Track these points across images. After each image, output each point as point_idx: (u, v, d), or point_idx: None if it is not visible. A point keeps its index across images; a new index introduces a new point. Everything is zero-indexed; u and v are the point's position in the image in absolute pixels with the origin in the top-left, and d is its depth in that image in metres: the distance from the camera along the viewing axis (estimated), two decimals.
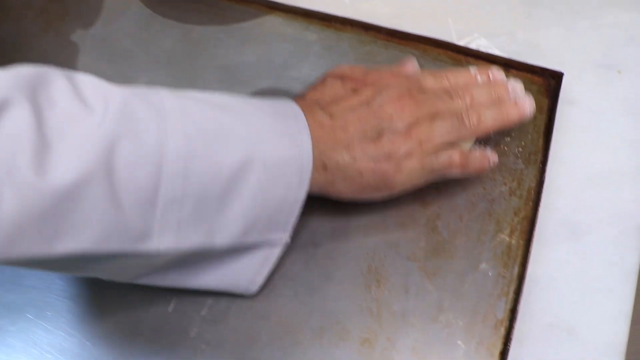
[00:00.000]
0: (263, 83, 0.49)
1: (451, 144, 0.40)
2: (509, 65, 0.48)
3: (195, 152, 0.32)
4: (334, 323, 0.39)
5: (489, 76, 0.44)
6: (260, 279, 0.39)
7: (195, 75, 0.50)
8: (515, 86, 0.43)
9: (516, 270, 0.41)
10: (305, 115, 0.37)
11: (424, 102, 0.40)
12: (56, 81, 0.31)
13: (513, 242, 0.42)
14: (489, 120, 0.41)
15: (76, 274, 0.39)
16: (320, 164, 0.37)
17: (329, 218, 0.43)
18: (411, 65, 0.45)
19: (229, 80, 0.49)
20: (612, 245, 0.42)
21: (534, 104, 0.43)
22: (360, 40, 0.51)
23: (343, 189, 0.39)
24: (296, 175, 0.36)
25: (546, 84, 0.48)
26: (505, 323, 0.39)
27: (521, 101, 0.42)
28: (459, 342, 0.39)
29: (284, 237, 0.38)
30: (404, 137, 0.39)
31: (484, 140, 0.46)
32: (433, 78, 0.43)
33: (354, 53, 0.50)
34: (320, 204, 0.42)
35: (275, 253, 0.38)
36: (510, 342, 0.38)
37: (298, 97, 0.41)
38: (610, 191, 0.43)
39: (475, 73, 0.44)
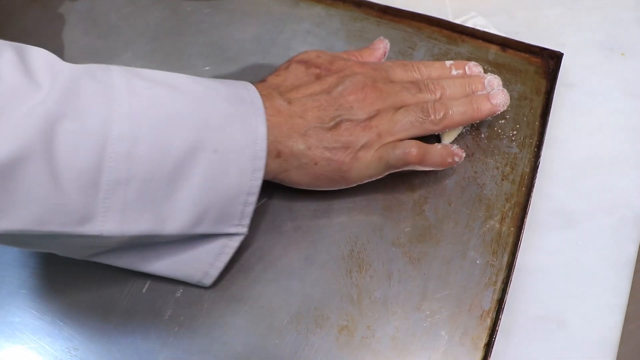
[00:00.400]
0: (250, 60, 0.48)
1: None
2: (506, 45, 0.46)
3: (141, 135, 0.31)
4: (312, 309, 0.38)
5: (465, 70, 0.43)
6: (215, 272, 0.37)
7: (181, 51, 0.48)
8: (492, 80, 0.42)
9: (505, 258, 0.39)
10: (262, 99, 0.36)
11: (388, 93, 0.39)
12: (3, 54, 0.30)
13: (503, 229, 0.40)
14: (457, 114, 0.40)
15: (28, 249, 0.38)
16: (274, 151, 0.36)
17: (311, 199, 0.41)
18: (383, 47, 0.44)
19: (215, 56, 0.48)
20: (608, 235, 0.40)
21: (509, 99, 0.42)
22: (352, 16, 0.49)
23: (297, 178, 0.38)
24: (249, 162, 0.34)
25: (545, 64, 0.46)
26: (492, 314, 0.37)
27: (495, 93, 0.41)
28: (442, 332, 0.37)
29: (241, 229, 0.36)
30: (362, 127, 0.38)
31: (476, 123, 0.44)
32: (403, 69, 0.42)
33: (345, 30, 0.49)
34: None
35: (232, 245, 0.36)
36: (496, 334, 0.36)
37: (259, 82, 0.40)
38: (607, 178, 0.42)
39: (450, 66, 0.43)
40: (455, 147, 0.40)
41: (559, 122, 0.43)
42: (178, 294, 0.38)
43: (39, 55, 0.31)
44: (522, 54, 0.46)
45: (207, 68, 0.47)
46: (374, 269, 0.39)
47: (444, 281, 0.38)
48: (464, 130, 0.44)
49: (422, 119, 0.39)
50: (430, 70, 0.42)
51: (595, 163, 0.42)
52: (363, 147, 0.38)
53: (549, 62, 0.46)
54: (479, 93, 0.41)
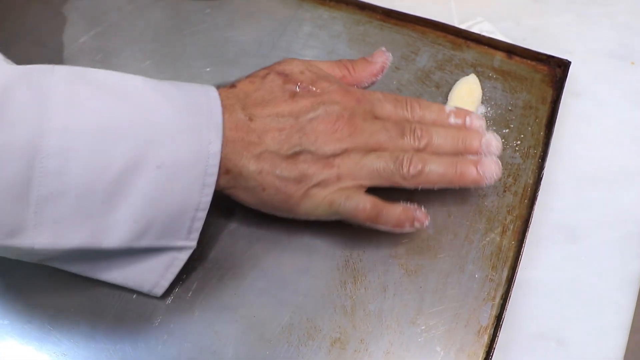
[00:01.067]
0: (251, 62, 0.47)
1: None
2: (513, 52, 0.45)
3: (75, 150, 0.30)
4: (304, 320, 0.37)
5: (465, 121, 0.38)
6: (165, 283, 0.36)
7: (181, 52, 0.48)
8: (490, 140, 0.38)
9: (505, 273, 0.38)
10: (223, 111, 0.34)
11: (363, 132, 0.36)
12: None
13: (504, 242, 0.39)
14: (434, 174, 0.36)
15: None
16: (223, 167, 0.34)
17: None
18: (382, 62, 0.39)
19: (215, 57, 0.47)
20: (612, 250, 0.39)
21: (500, 172, 0.37)
22: (355, 19, 0.48)
23: (244, 197, 0.36)
24: (198, 178, 0.32)
25: (551, 72, 0.45)
26: (490, 330, 0.36)
27: (486, 162, 0.37)
28: (438, 348, 0.36)
29: (189, 243, 0.34)
30: (323, 164, 0.35)
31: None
32: (393, 104, 0.38)
33: (348, 33, 0.48)
34: None
35: (181, 258, 0.35)
36: (493, 351, 0.35)
37: (229, 86, 0.37)
38: (613, 191, 0.40)
39: (450, 112, 0.39)
40: (419, 212, 0.36)
41: (565, 133, 0.42)
42: (169, 301, 0.37)
43: None
44: (529, 61, 0.45)
45: (208, 69, 0.47)
46: (369, 280, 0.38)
47: (441, 295, 0.37)
48: None
49: (392, 170, 0.36)
50: (425, 111, 0.38)
51: (601, 175, 0.41)
52: (318, 184, 0.35)
53: (555, 70, 0.45)
54: (469, 157, 0.37)
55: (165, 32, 0.49)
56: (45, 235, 0.30)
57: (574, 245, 0.39)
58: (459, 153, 0.37)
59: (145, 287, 0.36)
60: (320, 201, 0.35)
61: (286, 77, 0.36)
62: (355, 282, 0.38)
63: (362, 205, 0.35)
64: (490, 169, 0.37)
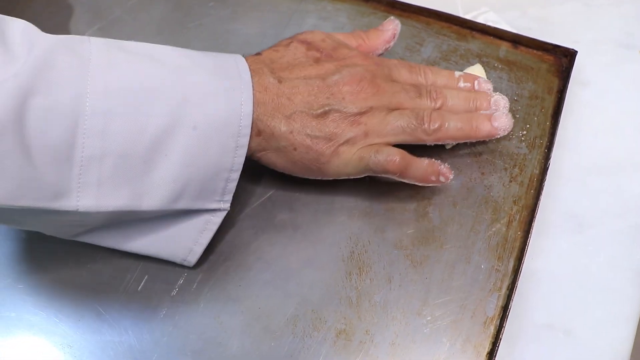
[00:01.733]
0: None
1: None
2: (518, 42, 0.45)
3: (116, 111, 0.30)
4: (309, 311, 0.37)
5: (473, 85, 0.41)
6: (199, 249, 0.36)
7: (185, 45, 0.47)
8: (499, 100, 0.40)
9: (511, 263, 0.38)
10: (251, 74, 0.35)
11: (385, 92, 0.37)
12: None
13: (510, 232, 0.39)
14: (452, 129, 0.38)
15: (15, 227, 0.38)
16: (255, 129, 0.35)
17: (311, 198, 0.40)
18: (392, 29, 0.41)
19: (219, 50, 0.46)
20: (620, 240, 0.38)
21: (512, 124, 0.40)
22: (359, 11, 0.48)
23: (274, 159, 0.37)
24: (232, 139, 0.33)
25: (557, 62, 0.44)
26: (496, 321, 0.36)
27: (498, 116, 0.39)
28: (444, 339, 0.36)
29: (223, 205, 0.36)
30: (351, 122, 0.36)
31: None
32: (408, 70, 0.40)
33: (352, 25, 0.47)
34: (301, 183, 0.39)
35: (214, 222, 0.36)
36: (499, 342, 0.35)
37: (254, 55, 0.38)
38: (620, 181, 0.40)
39: (459, 77, 0.41)
40: (443, 167, 0.38)
41: (571, 123, 0.42)
42: (174, 293, 0.37)
43: (18, 27, 0.30)
44: (535, 51, 0.45)
45: None
46: (374, 271, 0.38)
47: (447, 286, 0.37)
48: None
49: (415, 125, 0.37)
50: (437, 77, 0.40)
51: (608, 165, 0.41)
52: (347, 142, 0.36)
53: (562, 60, 0.44)
54: (481, 112, 0.39)
55: (169, 25, 0.49)
56: (88, 197, 0.31)
57: (581, 235, 0.39)
58: (470, 111, 0.40)
59: (179, 255, 0.37)
60: (350, 158, 0.36)
61: (309, 45, 0.38)
62: (361, 273, 0.38)
63: (392, 157, 0.36)
64: (502, 121, 0.39)
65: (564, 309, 0.37)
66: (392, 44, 0.42)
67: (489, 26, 0.45)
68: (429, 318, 0.36)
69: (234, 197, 0.38)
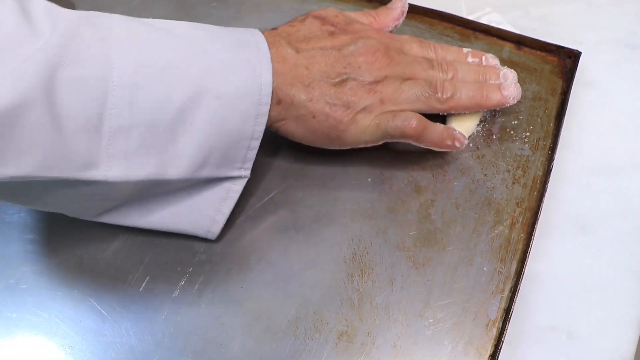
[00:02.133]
0: None
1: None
2: (522, 42, 0.45)
3: (142, 82, 0.31)
4: (311, 313, 0.36)
5: (481, 60, 0.42)
6: (221, 218, 0.37)
7: None
8: (507, 73, 0.41)
9: (514, 265, 0.38)
10: (269, 46, 0.36)
11: (399, 62, 0.39)
12: (4, 1, 0.29)
13: (513, 234, 0.39)
14: (464, 97, 0.39)
15: (34, 206, 0.38)
16: (275, 98, 0.36)
17: (313, 199, 0.40)
18: (401, 6, 0.42)
19: None
20: (624, 242, 0.38)
21: (520, 93, 0.40)
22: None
23: (293, 128, 0.37)
24: (253, 107, 0.34)
25: (561, 63, 0.44)
26: (498, 323, 0.36)
27: (507, 85, 0.40)
28: (446, 341, 0.36)
29: (244, 172, 0.36)
30: (367, 90, 0.37)
31: (488, 124, 0.42)
32: (419, 44, 0.41)
33: None
34: (304, 184, 0.39)
35: (235, 189, 0.37)
36: (501, 345, 0.35)
37: (270, 29, 0.39)
38: (624, 182, 0.40)
39: (467, 53, 0.42)
40: (458, 132, 0.39)
41: (575, 124, 0.42)
42: (175, 294, 0.37)
43: (40, 4, 0.31)
44: (538, 52, 0.45)
45: None
46: (376, 273, 0.38)
47: (449, 288, 0.37)
48: (475, 131, 0.42)
49: (428, 93, 0.38)
50: (446, 52, 0.41)
51: (612, 167, 0.41)
52: (364, 109, 0.37)
53: (565, 60, 0.44)
54: (492, 82, 0.40)
55: None
56: (117, 167, 0.32)
57: (584, 237, 0.39)
58: (479, 82, 0.40)
59: (202, 226, 0.38)
60: (367, 125, 0.37)
61: (323, 20, 0.39)
62: (362, 274, 0.38)
63: (409, 121, 0.37)
64: (512, 90, 0.40)
65: (567, 311, 0.37)
66: (400, 21, 0.43)
67: (492, 27, 0.45)
68: (431, 320, 0.36)
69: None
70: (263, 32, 0.37)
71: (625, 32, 0.45)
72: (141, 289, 0.38)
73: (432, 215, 0.39)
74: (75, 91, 0.30)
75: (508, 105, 0.40)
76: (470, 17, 0.46)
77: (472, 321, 0.36)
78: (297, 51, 0.37)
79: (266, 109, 0.35)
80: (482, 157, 0.41)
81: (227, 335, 0.36)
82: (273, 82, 0.35)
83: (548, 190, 0.39)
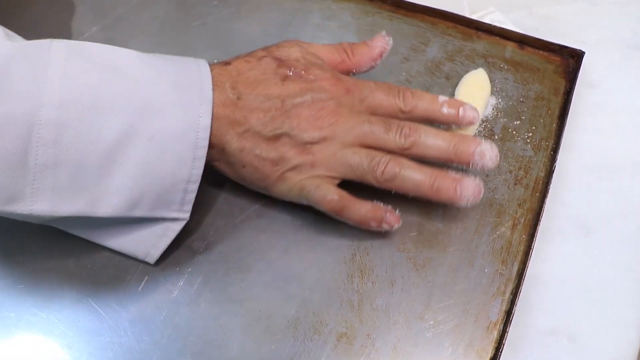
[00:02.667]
0: None
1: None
2: (524, 42, 0.44)
3: (70, 122, 0.31)
4: (310, 314, 0.36)
5: (458, 112, 0.37)
6: (156, 253, 0.37)
7: (188, 44, 0.47)
8: (486, 151, 0.35)
9: (515, 267, 0.37)
10: (213, 87, 0.34)
11: (346, 123, 0.35)
12: None
13: (515, 236, 0.38)
14: (408, 182, 0.35)
15: None
16: (209, 142, 0.34)
17: None
18: (381, 47, 0.39)
19: (222, 49, 0.47)
20: (626, 244, 0.38)
21: (480, 196, 0.36)
22: (364, 10, 0.47)
23: (226, 170, 0.37)
24: (189, 150, 0.34)
25: (564, 63, 0.44)
26: (499, 326, 0.36)
27: (466, 184, 0.35)
28: (446, 343, 0.35)
29: (182, 215, 0.36)
30: (300, 149, 0.35)
31: (490, 124, 0.42)
32: (386, 93, 0.37)
33: (356, 24, 0.47)
34: None
35: (173, 229, 0.36)
36: (502, 347, 0.34)
37: (224, 62, 0.37)
38: (626, 184, 0.39)
39: (443, 102, 0.37)
40: (389, 214, 0.36)
41: (577, 124, 0.41)
42: (174, 294, 0.37)
43: None
44: (541, 51, 0.44)
45: (215, 61, 0.46)
46: (376, 274, 0.37)
47: (450, 290, 0.37)
48: (476, 131, 0.42)
49: (365, 169, 0.35)
50: (418, 101, 0.37)
51: (615, 168, 0.40)
52: (292, 169, 0.35)
53: (568, 60, 0.44)
54: (451, 174, 0.36)
55: (172, 24, 0.48)
56: (43, 202, 0.32)
57: (587, 239, 0.38)
58: (447, 160, 0.36)
59: (138, 255, 0.37)
60: (293, 185, 0.36)
61: (281, 62, 0.37)
62: (362, 276, 0.37)
63: (330, 197, 0.35)
64: (469, 191, 0.35)
65: (569, 314, 0.36)
66: (378, 62, 0.40)
67: (495, 26, 0.45)
68: (431, 322, 0.36)
69: (236, 198, 0.38)
70: (213, 68, 0.36)
71: (628, 33, 0.44)
72: (140, 288, 0.37)
73: (433, 216, 0.39)
74: (1, 127, 0.30)
75: (461, 205, 0.36)
76: (473, 17, 0.46)
77: (472, 323, 0.36)
78: (239, 97, 0.35)
79: (203, 152, 0.34)
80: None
81: (226, 336, 0.36)
82: (211, 126, 0.34)
83: (550, 191, 0.39)
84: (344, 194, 0.36)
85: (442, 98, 0.38)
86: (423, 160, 0.36)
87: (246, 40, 0.47)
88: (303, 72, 0.36)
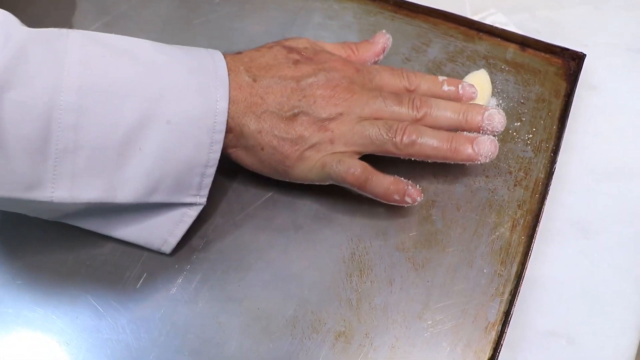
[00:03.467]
0: None
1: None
2: (526, 44, 0.44)
3: (89, 106, 0.31)
4: (309, 313, 0.36)
5: (457, 88, 0.39)
6: (173, 240, 0.37)
7: (190, 42, 0.46)
8: (493, 114, 0.37)
9: (514, 268, 0.37)
10: (228, 72, 0.35)
11: (360, 99, 0.36)
12: None
13: (514, 237, 0.38)
14: (427, 147, 0.36)
15: None
16: (227, 126, 0.35)
17: (312, 199, 0.40)
18: (383, 42, 0.41)
19: (224, 48, 0.45)
20: (626, 247, 0.38)
21: (496, 151, 0.37)
22: (366, 10, 0.47)
23: (244, 157, 0.37)
24: (206, 135, 0.34)
25: (565, 65, 0.44)
26: (498, 326, 0.36)
27: (482, 141, 0.36)
28: (444, 343, 0.35)
29: (199, 199, 0.36)
30: (318, 127, 0.36)
31: None
32: (391, 74, 0.39)
33: (358, 24, 0.47)
34: (302, 184, 0.39)
35: (190, 215, 0.36)
36: (500, 348, 0.34)
37: (236, 53, 0.38)
38: (626, 187, 0.39)
39: (442, 81, 0.39)
40: (411, 187, 0.36)
41: (578, 127, 0.41)
42: (173, 291, 0.37)
43: None
44: (542, 54, 0.44)
45: None
46: (375, 273, 0.37)
47: (448, 290, 0.37)
48: None
49: (385, 137, 0.36)
50: (421, 80, 0.39)
51: (614, 170, 0.40)
52: (312, 147, 0.36)
53: (570, 63, 0.44)
54: (465, 134, 0.37)
55: (174, 22, 0.48)
56: (63, 188, 0.32)
57: (586, 241, 0.38)
58: (459, 127, 0.37)
59: (155, 244, 0.37)
60: (313, 164, 0.36)
61: (290, 49, 0.38)
62: (361, 275, 0.37)
63: (353, 170, 0.35)
64: (486, 147, 0.36)
65: (567, 316, 0.36)
66: (381, 57, 0.41)
67: (496, 28, 0.45)
68: (429, 322, 0.36)
69: (236, 196, 0.38)
70: (225, 56, 0.36)
71: (631, 37, 0.44)
72: (138, 286, 0.37)
73: (433, 216, 0.39)
74: (20, 114, 0.29)
75: (479, 162, 0.37)
76: (475, 18, 0.46)
77: (471, 324, 0.36)
78: (255, 79, 0.36)
79: (221, 136, 0.34)
80: None
81: (224, 334, 0.36)
82: (229, 110, 0.34)
83: (550, 193, 0.39)
84: (366, 166, 0.36)
85: (442, 77, 0.40)
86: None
87: (248, 39, 0.47)
88: (313, 55, 0.37)
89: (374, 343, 0.35)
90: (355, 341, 0.35)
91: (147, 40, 0.35)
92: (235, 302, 0.37)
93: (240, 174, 0.40)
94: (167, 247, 0.37)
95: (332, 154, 0.36)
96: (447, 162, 0.37)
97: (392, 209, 0.39)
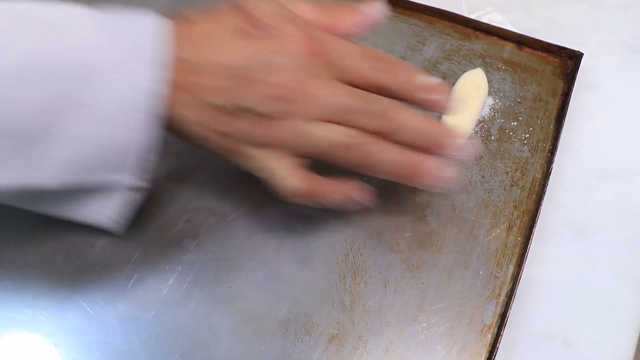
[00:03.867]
0: None
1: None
2: (523, 43, 0.44)
3: None
4: (302, 315, 0.36)
5: (430, 97, 0.33)
6: (120, 220, 0.34)
7: None
8: (465, 146, 0.33)
9: (511, 270, 0.37)
10: (163, 45, 0.30)
11: (314, 94, 0.31)
12: None
13: (510, 238, 0.38)
14: (386, 162, 0.32)
15: None
16: (163, 111, 0.31)
17: None
18: (369, 12, 0.34)
19: None
20: (623, 248, 0.38)
21: (455, 178, 0.33)
22: None
23: (184, 140, 0.33)
24: (136, 118, 0.29)
25: (563, 65, 0.43)
26: (493, 329, 0.35)
27: (443, 167, 0.32)
28: (439, 346, 0.35)
29: (138, 182, 0.32)
30: (261, 125, 0.31)
31: (486, 125, 0.41)
32: (361, 55, 0.32)
33: None
34: None
35: (132, 196, 0.33)
36: (496, 351, 0.34)
37: (185, 16, 0.33)
38: (624, 187, 0.39)
39: (419, 84, 0.33)
40: (358, 192, 0.33)
41: (575, 126, 0.41)
42: (163, 292, 0.37)
43: None
44: (539, 52, 0.44)
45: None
46: (369, 275, 0.37)
47: (444, 292, 0.36)
48: (474, 131, 0.41)
49: (335, 145, 0.31)
50: (397, 69, 0.33)
51: (612, 171, 0.40)
52: (252, 145, 0.32)
53: (567, 62, 0.43)
54: (434, 149, 0.32)
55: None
56: None
57: (583, 242, 0.38)
58: (426, 148, 0.33)
59: (104, 224, 0.34)
60: (252, 164, 0.32)
61: (247, 15, 0.31)
62: (355, 276, 0.37)
63: (289, 182, 0.32)
64: (445, 176, 0.33)
65: (564, 318, 0.36)
66: (358, 31, 0.34)
67: (493, 26, 0.44)
68: (424, 324, 0.35)
69: (229, 196, 0.37)
70: (169, 26, 0.31)
71: (629, 35, 0.44)
72: (128, 287, 0.37)
73: (428, 217, 0.39)
74: None
75: (435, 189, 0.35)
76: (472, 16, 0.46)
77: (466, 326, 0.35)
78: (197, 62, 0.30)
79: (154, 119, 0.30)
80: (479, 158, 0.41)
81: (216, 337, 0.35)
82: (161, 95, 0.30)
83: (547, 193, 0.38)
84: (308, 178, 0.32)
85: (422, 77, 0.33)
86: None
87: None
88: (271, 28, 0.31)
89: (367, 346, 0.35)
90: (349, 344, 0.35)
91: (81, 8, 0.30)
92: (227, 303, 0.36)
93: (232, 174, 0.40)
94: (117, 226, 0.34)
95: (270, 155, 0.32)
96: (399, 181, 0.33)
97: (386, 209, 0.39)
